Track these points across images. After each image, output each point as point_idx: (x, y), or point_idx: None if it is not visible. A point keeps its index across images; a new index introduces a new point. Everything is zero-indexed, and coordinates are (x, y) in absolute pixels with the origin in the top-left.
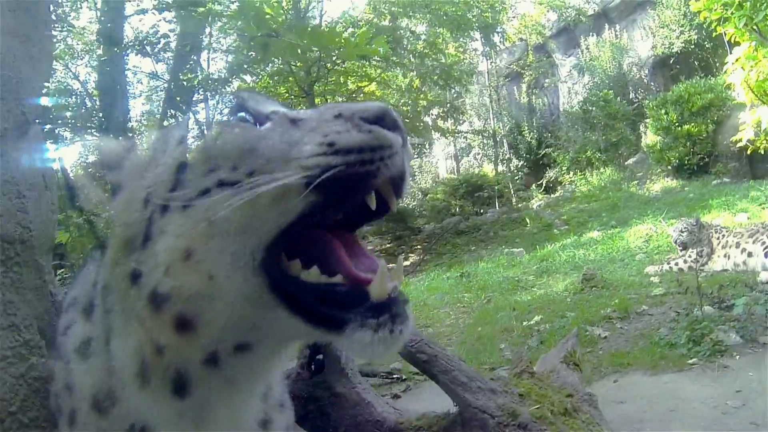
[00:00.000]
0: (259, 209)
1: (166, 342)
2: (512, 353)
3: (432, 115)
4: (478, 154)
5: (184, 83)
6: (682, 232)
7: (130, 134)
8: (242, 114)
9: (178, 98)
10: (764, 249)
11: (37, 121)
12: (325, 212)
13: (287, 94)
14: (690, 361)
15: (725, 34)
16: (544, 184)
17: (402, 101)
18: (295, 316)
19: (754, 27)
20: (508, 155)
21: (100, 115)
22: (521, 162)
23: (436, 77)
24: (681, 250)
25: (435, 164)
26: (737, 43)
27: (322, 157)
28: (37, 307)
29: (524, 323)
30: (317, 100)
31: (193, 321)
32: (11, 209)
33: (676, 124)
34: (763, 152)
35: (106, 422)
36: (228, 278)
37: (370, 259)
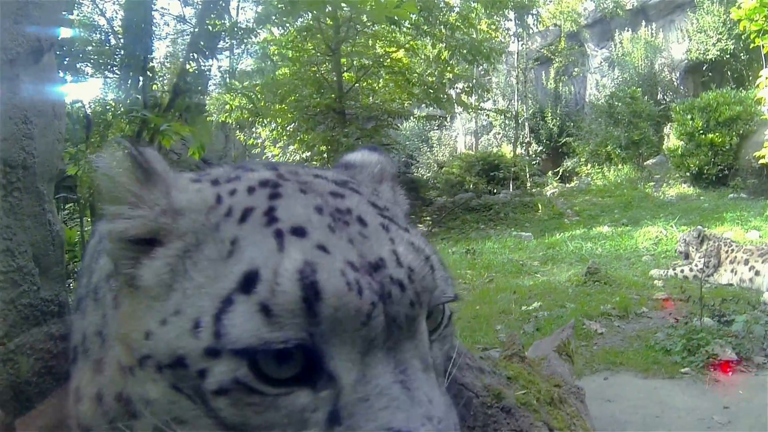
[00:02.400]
0: None
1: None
2: (507, 336)
3: (457, 88)
4: (499, 133)
5: (210, 29)
6: (682, 241)
7: (151, 74)
8: None
9: (201, 44)
10: None
11: (53, 49)
12: None
13: (313, 51)
14: (682, 370)
15: (763, 47)
16: (560, 173)
17: (428, 71)
18: None
19: None
20: (528, 139)
21: (122, 53)
22: (540, 147)
23: (465, 51)
24: (684, 259)
25: (454, 138)
26: None
27: None
28: (34, 234)
29: (523, 308)
30: (343, 60)
31: None
32: (16, 134)
33: (701, 131)
34: None
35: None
36: None
37: None
